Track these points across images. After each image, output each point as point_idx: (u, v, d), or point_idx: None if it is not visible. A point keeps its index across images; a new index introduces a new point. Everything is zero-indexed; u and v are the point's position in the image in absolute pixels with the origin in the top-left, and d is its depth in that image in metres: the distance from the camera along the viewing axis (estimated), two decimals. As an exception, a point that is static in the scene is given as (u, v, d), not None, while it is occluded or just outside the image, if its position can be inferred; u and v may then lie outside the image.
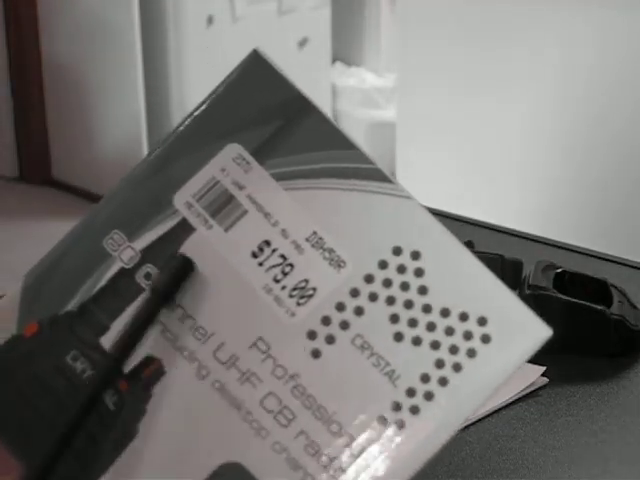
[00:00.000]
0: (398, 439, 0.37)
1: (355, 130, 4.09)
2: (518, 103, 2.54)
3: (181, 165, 0.40)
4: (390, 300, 0.39)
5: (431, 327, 0.39)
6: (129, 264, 0.40)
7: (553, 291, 0.79)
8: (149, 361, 0.39)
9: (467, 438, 0.68)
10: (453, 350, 0.39)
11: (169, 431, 0.37)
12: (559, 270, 0.83)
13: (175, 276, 0.37)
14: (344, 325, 0.38)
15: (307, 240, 0.38)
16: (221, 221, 0.39)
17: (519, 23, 2.51)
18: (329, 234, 0.39)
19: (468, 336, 0.39)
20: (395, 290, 0.39)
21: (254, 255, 0.39)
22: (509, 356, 0.40)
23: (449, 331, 0.39)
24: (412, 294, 0.39)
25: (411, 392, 0.38)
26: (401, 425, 0.38)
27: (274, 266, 0.38)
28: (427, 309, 0.39)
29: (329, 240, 0.39)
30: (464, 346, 0.39)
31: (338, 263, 0.38)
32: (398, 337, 0.38)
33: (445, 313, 0.39)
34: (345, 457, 0.37)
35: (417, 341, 0.38)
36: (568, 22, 2.40)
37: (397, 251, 0.39)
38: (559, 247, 1.01)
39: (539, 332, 0.42)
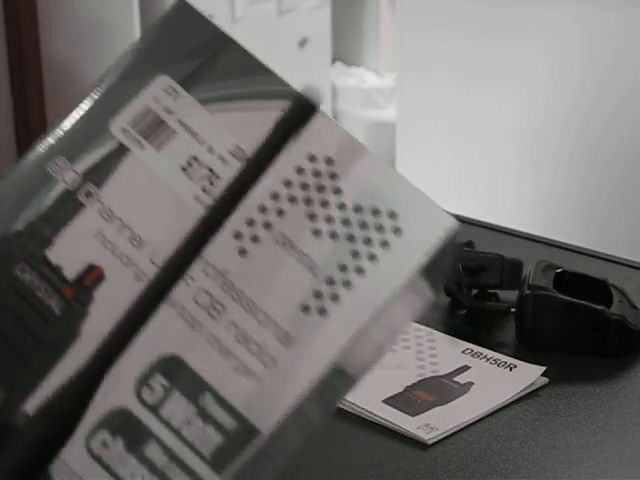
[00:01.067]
0: (321, 324, 0.41)
1: (355, 130, 4.10)
2: (518, 103, 2.54)
3: (117, 97, 0.45)
4: (307, 201, 0.43)
5: (346, 222, 0.43)
6: (71, 185, 0.45)
7: (553, 291, 0.79)
8: (91, 269, 0.43)
9: (467, 438, 0.68)
10: (367, 242, 0.43)
11: (110, 330, 0.41)
12: (559, 270, 0.83)
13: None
14: (267, 225, 0.43)
15: (231, 153, 0.44)
16: (153, 142, 0.44)
17: (519, 23, 2.51)
18: (250, 147, 0.44)
19: (380, 229, 0.43)
20: (312, 192, 0.43)
21: (184, 169, 0.44)
22: (419, 245, 0.42)
23: (363, 225, 0.43)
24: (327, 194, 0.43)
25: (330, 281, 0.42)
26: (322, 311, 0.41)
27: (202, 178, 0.43)
28: (342, 207, 0.43)
29: (250, 152, 0.44)
30: (377, 238, 0.43)
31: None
32: (316, 233, 0.43)
33: (358, 209, 0.43)
34: (273, 344, 0.41)
35: (334, 235, 0.43)
36: (569, 22, 2.40)
37: (312, 158, 0.43)
38: (559, 247, 1.01)
39: (446, 222, 0.43)
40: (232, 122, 0.44)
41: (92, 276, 0.43)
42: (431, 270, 0.44)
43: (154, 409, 0.41)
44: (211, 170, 0.44)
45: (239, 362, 0.41)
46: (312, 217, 0.43)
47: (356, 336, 0.41)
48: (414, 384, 0.73)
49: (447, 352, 0.78)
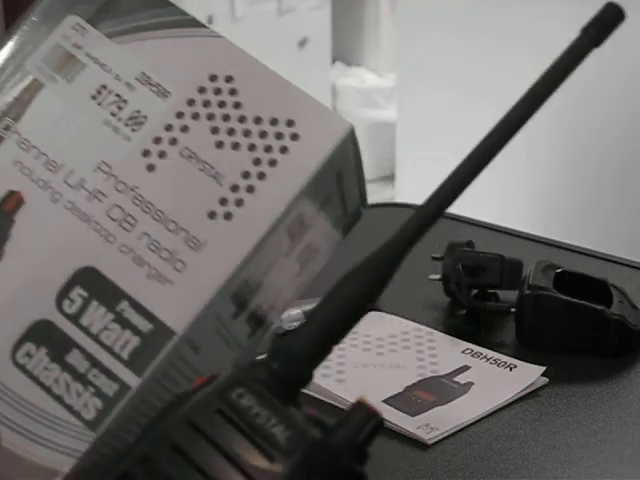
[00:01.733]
0: (228, 228, 0.44)
1: (355, 130, 4.10)
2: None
3: (33, 37, 0.50)
4: (210, 117, 0.46)
5: (247, 133, 0.46)
6: None
7: (553, 291, 0.79)
8: (10, 194, 0.46)
9: (467, 438, 0.68)
10: (268, 149, 0.46)
11: (31, 248, 0.45)
12: (559, 270, 0.83)
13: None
14: (173, 141, 0.46)
15: (137, 80, 0.47)
16: (64, 76, 0.48)
17: (519, 23, 2.51)
18: (155, 73, 0.47)
19: (279, 136, 0.46)
20: (214, 108, 0.46)
21: (93, 97, 0.47)
22: (317, 147, 0.46)
23: (262, 135, 0.46)
24: (228, 109, 0.46)
25: (235, 188, 0.45)
26: (228, 215, 0.45)
27: (111, 103, 0.47)
28: (242, 119, 0.46)
29: (155, 77, 0.47)
30: (277, 145, 0.46)
31: (164, 94, 0.47)
32: (219, 145, 0.46)
33: (258, 121, 0.47)
34: (183, 249, 0.44)
35: (236, 146, 0.46)
36: (568, 23, 2.39)
37: (213, 78, 0.47)
38: (559, 247, 1.01)
39: (342, 125, 0.48)
40: (136, 51, 0.48)
41: (12, 201, 0.46)
42: (330, 175, 0.48)
43: (74, 318, 0.43)
44: (118, 96, 0.47)
45: (152, 268, 0.44)
46: (215, 130, 0.46)
47: (264, 237, 0.45)
48: (414, 384, 0.73)
49: (447, 352, 0.78)
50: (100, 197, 0.46)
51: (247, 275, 0.45)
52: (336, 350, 0.77)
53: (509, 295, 0.84)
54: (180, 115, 0.46)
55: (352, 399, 0.71)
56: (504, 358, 0.77)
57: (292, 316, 0.82)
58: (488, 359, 0.77)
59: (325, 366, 0.75)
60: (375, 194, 3.90)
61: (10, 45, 0.51)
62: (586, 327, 0.78)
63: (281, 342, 0.34)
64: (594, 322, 0.78)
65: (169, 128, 0.46)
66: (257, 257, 0.45)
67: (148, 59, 0.47)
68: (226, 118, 0.47)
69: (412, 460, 0.65)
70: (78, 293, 0.44)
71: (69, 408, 0.41)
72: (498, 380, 0.74)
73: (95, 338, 0.43)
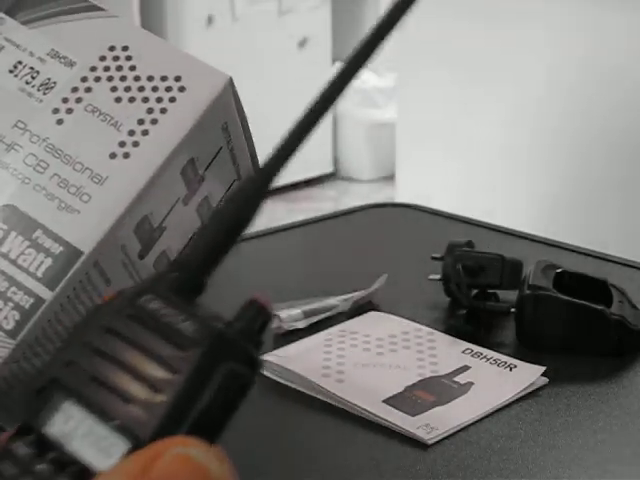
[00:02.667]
0: (127, 164, 0.53)
1: (355, 130, 4.10)
2: (519, 103, 2.54)
3: None
4: (109, 78, 0.56)
5: (141, 89, 0.55)
6: None
7: (553, 291, 0.79)
8: None
9: (467, 438, 0.68)
10: (159, 100, 0.55)
11: None
12: (559, 270, 0.83)
13: None
14: (78, 100, 0.55)
15: (48, 54, 0.56)
16: None
17: (519, 23, 2.51)
18: (62, 48, 0.57)
19: (169, 89, 0.55)
20: (112, 72, 0.56)
21: (10, 71, 0.56)
22: (201, 96, 0.55)
23: (154, 89, 0.55)
24: (125, 72, 0.56)
25: (131, 133, 0.54)
26: (127, 155, 0.53)
27: (25, 74, 0.56)
28: (137, 79, 0.56)
29: (62, 51, 0.57)
30: (166, 96, 0.55)
31: (70, 64, 0.56)
32: (118, 100, 0.55)
33: (150, 79, 0.56)
34: (88, 184, 0.53)
35: (131, 99, 0.55)
36: (572, 20, 2.40)
37: (112, 48, 0.57)
38: (559, 247, 1.01)
39: (221, 77, 0.55)
40: (47, 33, 0.58)
41: None
42: (216, 123, 0.57)
43: None
44: (32, 68, 0.56)
45: (62, 202, 0.52)
46: (114, 89, 0.55)
47: (157, 172, 0.53)
48: (414, 384, 0.73)
49: (447, 352, 0.78)
50: (17, 148, 0.55)
51: (146, 210, 0.54)
52: (336, 350, 0.78)
53: (509, 295, 0.84)
54: (84, 79, 0.56)
55: (352, 399, 0.71)
56: (504, 358, 0.77)
57: (292, 316, 0.82)
58: (488, 359, 0.77)
59: (325, 366, 0.75)
60: (375, 194, 3.90)
61: None
62: (586, 327, 0.78)
63: (176, 257, 0.41)
64: (594, 322, 0.78)
65: (75, 90, 0.56)
66: (153, 192, 0.53)
67: (57, 38, 0.58)
68: (123, 79, 0.56)
69: (412, 460, 0.65)
70: None
71: None
72: (498, 380, 0.74)
73: (13, 262, 0.51)
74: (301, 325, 0.82)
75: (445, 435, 0.67)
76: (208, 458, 0.34)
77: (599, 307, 0.78)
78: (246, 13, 3.74)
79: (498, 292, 0.86)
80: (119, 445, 0.35)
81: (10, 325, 0.49)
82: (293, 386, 0.74)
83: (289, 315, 0.82)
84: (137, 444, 0.35)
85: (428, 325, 0.82)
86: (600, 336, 0.78)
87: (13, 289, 0.50)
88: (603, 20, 2.30)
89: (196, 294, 0.39)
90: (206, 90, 0.55)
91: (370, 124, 4.02)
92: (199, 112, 0.55)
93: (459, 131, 2.71)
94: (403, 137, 2.95)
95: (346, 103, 4.08)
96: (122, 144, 0.54)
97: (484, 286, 0.85)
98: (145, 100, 0.56)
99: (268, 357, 0.76)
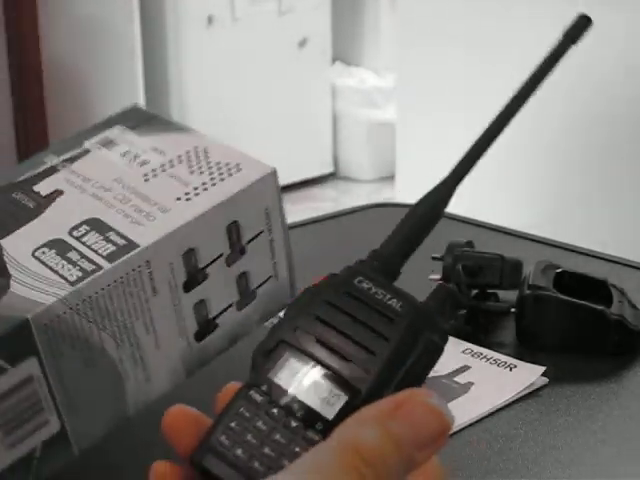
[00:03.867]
0: (186, 203, 0.65)
1: (355, 130, 4.10)
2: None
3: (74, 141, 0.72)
4: (189, 161, 0.69)
5: (209, 167, 0.67)
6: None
7: (553, 291, 0.79)
8: (56, 190, 0.67)
9: (467, 438, 0.68)
10: (220, 174, 0.67)
11: (64, 210, 0.66)
12: (559, 270, 0.83)
13: None
14: (163, 169, 0.68)
15: (149, 148, 0.70)
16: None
17: (519, 23, 2.51)
18: (159, 146, 0.70)
19: (229, 169, 0.67)
20: (192, 159, 0.69)
21: (122, 155, 0.70)
22: (249, 175, 0.66)
23: (219, 168, 0.67)
24: (201, 159, 0.68)
25: (195, 188, 0.66)
26: (188, 199, 0.66)
27: (131, 157, 0.70)
28: (208, 162, 0.67)
29: (159, 147, 0.70)
30: (226, 173, 0.66)
31: (163, 154, 0.69)
32: (192, 172, 0.68)
33: (218, 163, 0.67)
34: (155, 212, 0.65)
35: (201, 172, 0.67)
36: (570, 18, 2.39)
37: (195, 148, 0.70)
38: (559, 247, 1.01)
39: (266, 167, 0.67)
40: (151, 138, 0.70)
41: (56, 193, 0.67)
42: (258, 202, 0.67)
43: (78, 239, 0.63)
44: (136, 155, 0.69)
45: (134, 219, 0.64)
46: (190, 166, 0.67)
47: (206, 213, 0.64)
48: (414, 384, 0.73)
49: (447, 352, 0.78)
50: (110, 190, 0.67)
51: (194, 243, 0.64)
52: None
53: (509, 295, 0.84)
54: (171, 162, 0.68)
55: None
56: (504, 358, 0.77)
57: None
58: (488, 359, 0.77)
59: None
60: (375, 194, 3.90)
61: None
62: (586, 327, 0.78)
63: (377, 249, 0.47)
64: (594, 322, 0.78)
65: (162, 166, 0.68)
66: (200, 227, 0.64)
67: (156, 141, 0.70)
68: (198, 161, 0.68)
69: (412, 460, 0.65)
70: (84, 227, 0.64)
71: (58, 274, 0.61)
72: (498, 380, 0.74)
73: (88, 246, 0.62)
74: (301, 325, 0.82)
75: (445, 435, 0.67)
76: (444, 407, 0.42)
77: (599, 307, 0.78)
78: (246, 13, 3.74)
79: (498, 292, 0.86)
80: (340, 396, 0.43)
81: (73, 278, 0.60)
82: (293, 386, 0.74)
83: (289, 315, 0.82)
84: (355, 397, 0.43)
85: (428, 325, 0.82)
86: (600, 336, 0.78)
87: (82, 260, 0.61)
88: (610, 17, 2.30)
89: (393, 279, 0.47)
90: (254, 172, 0.66)
91: (370, 124, 4.01)
92: (246, 183, 0.65)
93: (459, 131, 2.71)
94: (403, 137, 2.95)
95: (346, 103, 4.08)
96: (187, 193, 0.65)
97: (484, 286, 0.85)
98: (211, 173, 0.66)
99: (268, 357, 0.76)
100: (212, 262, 0.65)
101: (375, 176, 4.05)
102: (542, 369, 0.75)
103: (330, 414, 0.43)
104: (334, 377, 0.43)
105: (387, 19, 4.16)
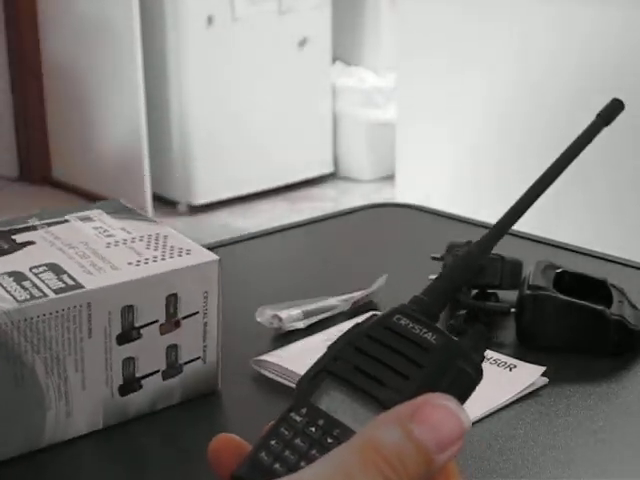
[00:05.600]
0: (136, 267, 0.73)
1: (355, 130, 4.10)
2: (519, 104, 2.54)
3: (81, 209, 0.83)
4: (148, 239, 0.77)
5: (164, 248, 0.75)
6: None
7: (553, 291, 0.79)
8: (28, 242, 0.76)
9: (467, 438, 0.67)
10: (171, 254, 0.75)
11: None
12: (559, 270, 0.83)
13: None
14: (124, 243, 0.77)
15: (118, 228, 0.79)
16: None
17: (519, 24, 2.51)
18: (127, 227, 0.79)
19: (180, 253, 0.75)
20: (152, 239, 0.77)
21: (94, 228, 0.79)
22: (193, 259, 0.74)
23: (172, 250, 0.75)
24: (160, 241, 0.77)
25: (147, 260, 0.73)
26: (138, 264, 0.73)
27: (101, 231, 0.79)
28: (164, 245, 0.76)
29: (127, 228, 0.79)
30: (176, 254, 0.75)
31: (129, 232, 0.78)
32: (148, 247, 0.75)
33: (172, 247, 0.75)
34: (106, 268, 0.72)
35: (156, 249, 0.75)
36: (574, 19, 2.40)
37: (157, 234, 0.78)
38: (559, 247, 1.01)
39: (212, 256, 0.74)
40: (123, 222, 0.80)
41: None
42: (196, 284, 0.73)
43: (37, 275, 0.71)
44: (106, 230, 0.78)
45: (86, 269, 0.71)
46: (148, 244, 0.76)
47: (150, 277, 0.71)
48: (414, 384, 0.73)
49: (447, 352, 0.78)
50: (73, 249, 0.75)
51: (133, 300, 0.70)
52: (336, 350, 0.78)
53: (509, 295, 0.84)
54: (133, 239, 0.76)
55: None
56: (504, 358, 0.77)
57: (292, 316, 0.82)
58: (488, 359, 0.77)
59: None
60: (375, 194, 3.90)
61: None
62: (586, 327, 0.78)
63: (418, 295, 0.50)
64: (594, 322, 0.78)
65: (124, 240, 0.76)
66: (141, 288, 0.70)
67: (126, 224, 0.79)
68: (156, 242, 0.76)
69: (412, 460, 0.65)
70: (43, 267, 0.71)
71: (10, 294, 0.68)
72: (498, 380, 0.74)
73: (39, 276, 0.70)
74: (301, 325, 0.82)
75: (445, 435, 0.67)
76: (461, 410, 0.44)
77: (599, 307, 0.78)
78: (246, 13, 3.74)
79: (498, 292, 0.86)
80: (375, 415, 0.44)
81: (21, 298, 0.67)
82: (293, 386, 0.74)
83: (289, 315, 0.82)
84: None
85: (428, 325, 0.82)
86: (600, 336, 0.78)
87: (33, 288, 0.68)
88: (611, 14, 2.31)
89: (432, 321, 0.49)
90: (201, 257, 0.73)
91: (370, 124, 4.02)
92: (191, 263, 0.72)
93: (459, 131, 2.71)
94: (403, 137, 2.95)
95: (346, 103, 4.08)
96: (138, 261, 0.72)
97: (484, 286, 0.85)
98: (163, 252, 0.74)
99: (268, 357, 0.76)
100: (147, 325, 0.71)
101: (375, 176, 4.05)
102: (542, 369, 0.75)
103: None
104: (369, 399, 0.46)
105: (387, 19, 4.16)
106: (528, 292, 0.79)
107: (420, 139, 2.85)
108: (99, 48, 3.81)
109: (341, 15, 4.18)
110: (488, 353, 0.78)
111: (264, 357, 0.76)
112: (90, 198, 3.83)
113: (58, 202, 3.88)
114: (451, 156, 2.75)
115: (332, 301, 0.85)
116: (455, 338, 0.48)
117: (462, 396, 0.48)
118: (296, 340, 0.80)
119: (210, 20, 3.68)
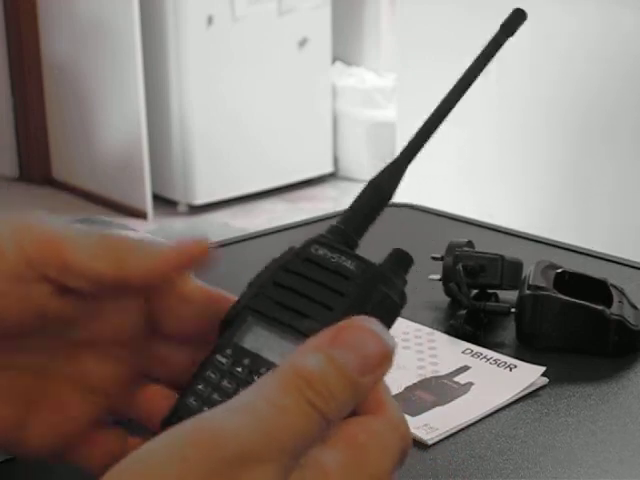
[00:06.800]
0: None
1: (355, 130, 4.10)
2: (519, 103, 2.54)
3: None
4: None
5: None
6: None
7: (553, 291, 0.79)
8: None
9: (467, 438, 0.68)
10: None
11: None
12: (559, 270, 0.83)
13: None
14: None
15: None
16: None
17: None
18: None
19: None
20: None
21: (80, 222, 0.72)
22: None
23: None
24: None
25: None
26: None
27: None
28: None
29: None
30: None
31: None
32: None
33: None
34: None
35: None
36: (577, 19, 2.40)
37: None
38: (559, 247, 1.01)
39: None
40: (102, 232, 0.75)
41: None
42: None
43: None
44: None
45: None
46: None
47: None
48: (414, 384, 0.73)
49: (447, 352, 0.78)
50: None
51: None
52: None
53: (509, 295, 0.84)
54: None
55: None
56: (504, 358, 0.77)
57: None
58: (488, 359, 0.77)
59: (325, 366, 0.75)
60: (375, 194, 3.90)
61: None
62: (586, 327, 0.78)
63: (334, 224, 0.49)
64: (594, 322, 0.78)
65: None
66: None
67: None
68: None
69: (412, 460, 0.65)
70: None
71: None
72: (498, 380, 0.74)
73: None
74: (301, 325, 0.82)
75: (445, 435, 0.67)
76: (385, 332, 0.42)
77: (599, 307, 0.78)
78: (246, 13, 3.74)
79: (498, 292, 0.86)
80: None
81: None
82: (293, 386, 0.74)
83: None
84: None
85: (428, 325, 0.82)
86: (600, 336, 0.78)
87: None
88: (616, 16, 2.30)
89: (350, 249, 0.49)
90: None
91: (370, 124, 4.01)
92: None
93: (459, 131, 2.71)
94: (403, 137, 2.94)
95: (346, 103, 4.08)
96: None
97: (484, 286, 0.85)
98: None
99: (268, 357, 0.76)
100: None
101: (375, 176, 4.04)
102: (542, 369, 0.75)
103: None
104: (294, 332, 0.45)
105: (387, 19, 4.16)
106: (528, 292, 0.79)
107: (420, 139, 2.85)
108: (99, 48, 3.81)
109: (341, 15, 4.18)
110: (488, 353, 0.78)
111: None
112: (90, 198, 3.83)
113: (58, 202, 3.88)
114: (451, 156, 2.75)
115: (332, 301, 0.85)
116: (374, 263, 0.48)
117: (387, 321, 0.47)
118: (296, 340, 0.80)
119: (210, 20, 3.68)
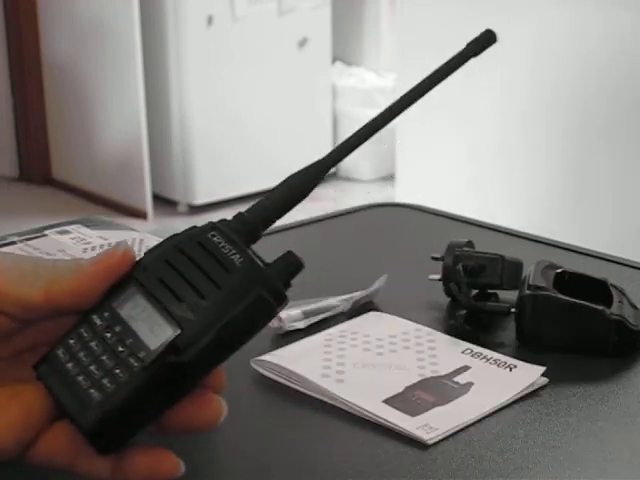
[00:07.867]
0: None
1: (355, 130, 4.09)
2: (519, 103, 2.54)
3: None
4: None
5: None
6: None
7: (553, 291, 0.79)
8: None
9: (467, 438, 0.68)
10: None
11: None
12: (559, 270, 0.83)
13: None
14: (102, 247, 0.81)
15: (96, 236, 0.81)
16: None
17: (519, 25, 2.51)
18: (106, 236, 0.83)
19: None
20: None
21: (71, 239, 0.82)
22: None
23: None
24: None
25: None
26: None
27: (79, 240, 0.82)
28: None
29: (104, 236, 0.84)
30: None
31: (105, 239, 0.82)
32: None
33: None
34: None
35: None
36: (580, 20, 2.40)
37: (133, 238, 0.82)
38: (559, 247, 1.01)
39: None
40: (99, 231, 0.84)
41: None
42: None
43: None
44: (83, 239, 0.82)
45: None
46: None
47: None
48: (414, 384, 0.73)
49: (447, 352, 0.78)
50: (51, 256, 0.78)
51: None
52: (336, 350, 0.78)
53: (509, 295, 0.84)
54: (103, 245, 0.81)
55: (352, 399, 0.71)
56: (504, 358, 0.77)
57: (292, 316, 0.82)
58: (488, 359, 0.77)
59: (325, 366, 0.75)
60: (375, 194, 3.90)
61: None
62: (586, 327, 0.78)
63: (242, 212, 0.51)
64: (594, 322, 0.78)
65: (101, 246, 0.80)
66: None
67: (103, 233, 0.83)
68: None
69: (412, 460, 0.65)
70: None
71: None
72: (498, 380, 0.74)
73: None
74: (301, 325, 0.82)
75: (445, 435, 0.67)
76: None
77: (599, 307, 0.78)
78: (246, 13, 3.74)
79: (498, 292, 0.86)
80: (166, 331, 0.47)
81: None
82: (293, 386, 0.74)
83: (289, 315, 0.82)
84: (180, 334, 0.47)
85: (428, 325, 0.82)
86: (600, 336, 0.78)
87: None
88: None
89: (251, 242, 0.50)
90: None
91: (370, 124, 4.01)
92: None
93: (459, 132, 2.71)
94: (403, 138, 2.95)
95: (346, 103, 4.08)
96: None
97: (484, 286, 0.85)
98: (139, 253, 0.76)
99: (268, 357, 0.76)
100: None
101: (375, 176, 4.04)
102: (542, 369, 0.75)
103: (153, 344, 0.48)
104: (166, 313, 0.48)
105: (387, 19, 4.16)
106: (528, 292, 0.79)
107: (420, 139, 2.85)
108: (99, 48, 3.81)
109: (341, 15, 4.18)
110: (488, 353, 0.78)
111: (264, 357, 0.76)
112: (90, 198, 3.83)
113: (58, 202, 3.88)
114: (451, 156, 2.75)
115: (332, 301, 0.85)
116: (262, 264, 0.49)
117: (255, 322, 0.49)
118: (296, 340, 0.80)
119: (210, 20, 3.68)
